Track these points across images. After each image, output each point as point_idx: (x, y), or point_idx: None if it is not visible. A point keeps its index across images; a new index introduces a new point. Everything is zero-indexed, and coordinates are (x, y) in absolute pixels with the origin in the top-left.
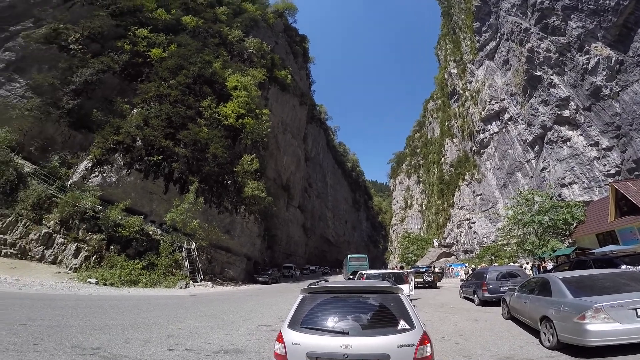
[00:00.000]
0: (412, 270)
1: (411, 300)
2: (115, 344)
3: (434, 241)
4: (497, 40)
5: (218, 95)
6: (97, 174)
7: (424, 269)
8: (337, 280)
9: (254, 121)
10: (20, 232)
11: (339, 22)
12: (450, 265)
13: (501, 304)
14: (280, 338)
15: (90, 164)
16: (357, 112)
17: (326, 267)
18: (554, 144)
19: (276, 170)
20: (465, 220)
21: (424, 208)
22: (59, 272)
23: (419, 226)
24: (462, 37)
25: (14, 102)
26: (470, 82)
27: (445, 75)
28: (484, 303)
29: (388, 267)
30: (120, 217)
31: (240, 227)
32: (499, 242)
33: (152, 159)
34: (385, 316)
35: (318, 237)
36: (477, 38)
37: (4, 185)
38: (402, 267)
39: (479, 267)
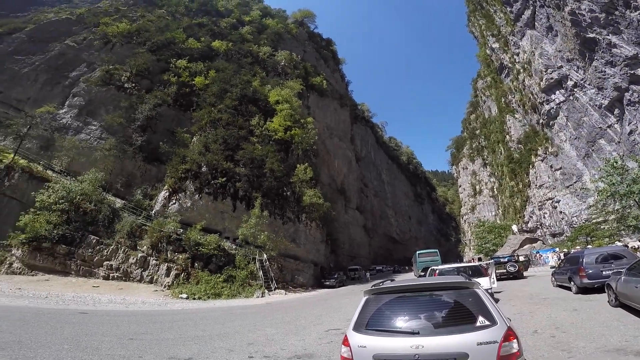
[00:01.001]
0: (492, 261)
1: (494, 293)
2: (204, 353)
3: (514, 227)
4: (531, 7)
5: (263, 112)
6: (174, 201)
7: (506, 259)
8: (406, 278)
9: (300, 131)
10: (122, 258)
11: (364, 21)
12: (537, 252)
13: (606, 291)
14: (345, 341)
15: (167, 194)
16: (402, 104)
17: (396, 266)
18: (637, 105)
19: (329, 175)
20: (547, 200)
21: (495, 192)
22: (156, 290)
23: (493, 212)
24: (492, 10)
25: (95, 144)
26: (518, 54)
27: (487, 51)
28: (584, 290)
29: (464, 260)
30: (199, 237)
31: (304, 234)
32: (593, 220)
33: (217, 181)
34: (461, 313)
35: (381, 237)
36: (508, 9)
37: (102, 220)
38: (479, 259)
39: (572, 250)
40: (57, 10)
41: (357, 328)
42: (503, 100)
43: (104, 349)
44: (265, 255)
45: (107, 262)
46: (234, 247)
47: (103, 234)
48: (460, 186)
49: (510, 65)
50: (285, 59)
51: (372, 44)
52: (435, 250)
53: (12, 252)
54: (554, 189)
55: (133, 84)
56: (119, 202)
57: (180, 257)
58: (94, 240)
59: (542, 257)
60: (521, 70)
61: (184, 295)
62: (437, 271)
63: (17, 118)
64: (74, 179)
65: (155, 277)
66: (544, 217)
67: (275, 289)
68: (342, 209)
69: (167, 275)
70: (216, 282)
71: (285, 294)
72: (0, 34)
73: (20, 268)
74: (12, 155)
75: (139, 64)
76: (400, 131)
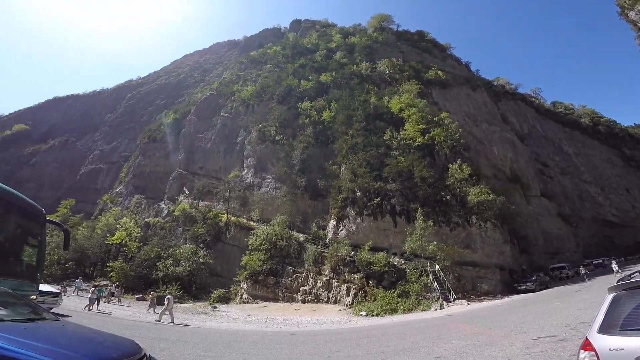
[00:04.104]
0: None
1: None
2: None
3: None
4: None
5: (392, 124)
6: (341, 228)
7: None
8: None
9: (440, 130)
10: (312, 283)
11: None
12: None
13: None
14: (587, 346)
15: (334, 222)
16: (548, 63)
17: (635, 256)
18: None
19: (491, 165)
20: None
21: None
22: (340, 310)
23: None
24: None
25: (274, 194)
26: None
27: None
28: None
29: None
30: (369, 256)
31: (479, 238)
32: None
33: (372, 202)
34: None
35: (590, 222)
36: None
37: (293, 252)
38: None
39: None
40: (200, 89)
41: (606, 330)
42: None
43: None
44: (437, 266)
45: (302, 287)
46: (402, 262)
47: (296, 264)
48: None
49: None
50: (387, 66)
51: (483, 13)
52: None
53: (241, 285)
54: None
55: (281, 135)
56: (301, 236)
57: (356, 277)
58: (290, 270)
59: None
60: None
61: (364, 313)
62: None
63: (219, 185)
64: (268, 224)
65: (338, 297)
66: None
67: (454, 299)
68: (521, 200)
69: (347, 295)
70: (391, 298)
71: (468, 304)
72: (179, 119)
73: (247, 298)
74: (226, 215)
75: (277, 117)
76: (564, 94)
